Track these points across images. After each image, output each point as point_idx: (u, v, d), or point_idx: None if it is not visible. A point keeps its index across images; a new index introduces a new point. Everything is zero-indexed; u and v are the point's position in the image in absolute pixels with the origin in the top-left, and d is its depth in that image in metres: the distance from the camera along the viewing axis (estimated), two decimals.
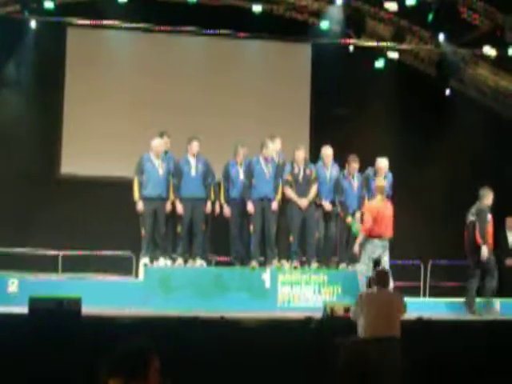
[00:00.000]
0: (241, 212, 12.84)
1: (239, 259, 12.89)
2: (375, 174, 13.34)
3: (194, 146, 12.74)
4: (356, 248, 12.42)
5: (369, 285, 9.64)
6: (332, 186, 13.15)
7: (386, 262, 12.10)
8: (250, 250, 12.74)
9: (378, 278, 8.89)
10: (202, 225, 12.75)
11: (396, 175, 13.71)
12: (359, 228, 12.89)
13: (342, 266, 13.16)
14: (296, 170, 12.94)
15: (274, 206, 12.69)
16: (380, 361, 8.31)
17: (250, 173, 12.69)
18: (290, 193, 12.86)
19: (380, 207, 12.23)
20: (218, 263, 13.48)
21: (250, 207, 12.60)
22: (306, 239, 12.99)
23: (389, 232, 12.24)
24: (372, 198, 12.70)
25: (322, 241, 13.20)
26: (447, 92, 16.86)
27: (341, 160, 13.44)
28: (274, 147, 13.06)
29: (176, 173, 12.67)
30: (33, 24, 15.07)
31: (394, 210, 12.88)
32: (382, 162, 13.36)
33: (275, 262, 12.74)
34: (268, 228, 12.69)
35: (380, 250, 12.12)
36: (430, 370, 9.50)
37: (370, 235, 12.13)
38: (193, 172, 12.69)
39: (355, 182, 13.27)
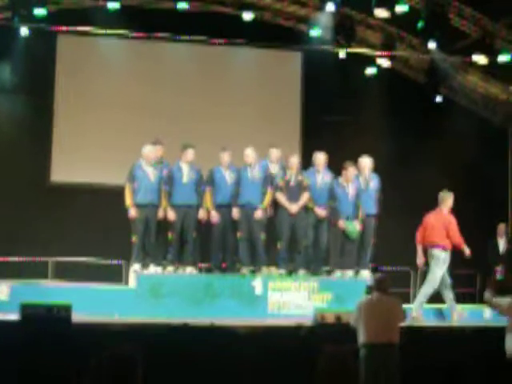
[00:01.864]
0: (225, 218, 12.83)
1: (219, 267, 12.92)
2: (359, 173, 13.36)
3: (189, 153, 12.72)
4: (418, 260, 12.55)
5: (368, 291, 9.60)
6: (322, 192, 13.11)
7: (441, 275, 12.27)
8: (238, 257, 12.78)
9: (377, 284, 8.89)
10: (193, 232, 12.74)
11: (388, 181, 13.74)
12: (355, 230, 12.93)
13: (336, 274, 13.13)
14: (288, 176, 12.96)
15: (258, 213, 12.70)
16: (378, 367, 8.36)
17: (238, 180, 12.74)
18: (281, 198, 12.86)
19: (429, 217, 12.44)
20: (208, 270, 13.47)
21: (235, 213, 12.66)
22: (293, 247, 12.99)
23: (437, 242, 12.31)
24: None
25: (311, 249, 13.16)
26: (437, 99, 16.94)
27: (332, 167, 13.45)
28: (276, 155, 13.18)
29: (168, 180, 12.67)
30: (23, 31, 15.08)
31: (385, 217, 12.95)
32: (363, 161, 13.36)
33: (264, 269, 12.76)
34: (254, 235, 12.74)
35: (429, 260, 12.30)
36: (420, 378, 9.54)
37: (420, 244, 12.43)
38: (184, 179, 12.68)
39: (351, 189, 13.20)
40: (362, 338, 8.58)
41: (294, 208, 12.81)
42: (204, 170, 12.96)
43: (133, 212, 12.58)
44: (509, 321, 8.34)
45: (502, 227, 15.26)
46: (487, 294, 8.41)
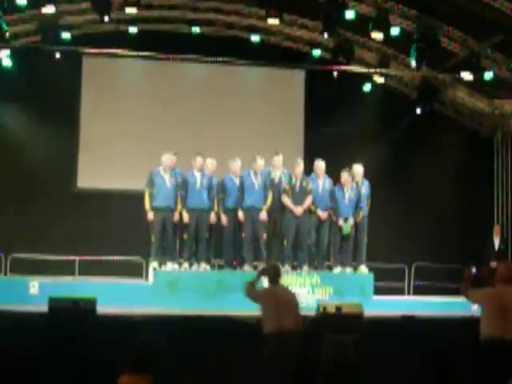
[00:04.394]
0: (234, 220, 13.05)
1: (230, 264, 13.13)
2: (352, 179, 13.47)
3: (198, 161, 12.99)
4: None
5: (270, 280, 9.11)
6: (323, 197, 13.30)
7: None
8: (243, 255, 12.97)
9: (273, 273, 8.66)
10: (205, 232, 12.99)
11: (382, 185, 13.67)
12: (348, 229, 12.98)
13: (336, 270, 13.25)
14: (294, 182, 13.10)
15: (262, 215, 12.94)
16: (284, 353, 8.03)
17: (242, 185, 12.97)
18: (287, 201, 13.06)
19: None
20: (220, 267, 13.57)
21: (241, 216, 12.90)
22: (298, 245, 13.15)
23: None
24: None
25: (314, 247, 13.31)
26: (418, 111, 16.90)
27: (333, 176, 13.52)
28: (277, 162, 13.29)
29: (183, 185, 12.91)
30: (56, 54, 15.21)
31: (381, 217, 12.88)
32: (356, 169, 13.64)
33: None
34: (257, 234, 12.97)
35: None
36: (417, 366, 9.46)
37: None
38: (197, 185, 12.94)
39: (348, 194, 13.35)
40: (268, 325, 8.25)
41: (299, 210, 12.99)
42: (215, 177, 13.21)
43: (151, 215, 12.82)
44: (483, 309, 8.21)
45: (497, 228, 15.49)
46: (463, 286, 8.25)
